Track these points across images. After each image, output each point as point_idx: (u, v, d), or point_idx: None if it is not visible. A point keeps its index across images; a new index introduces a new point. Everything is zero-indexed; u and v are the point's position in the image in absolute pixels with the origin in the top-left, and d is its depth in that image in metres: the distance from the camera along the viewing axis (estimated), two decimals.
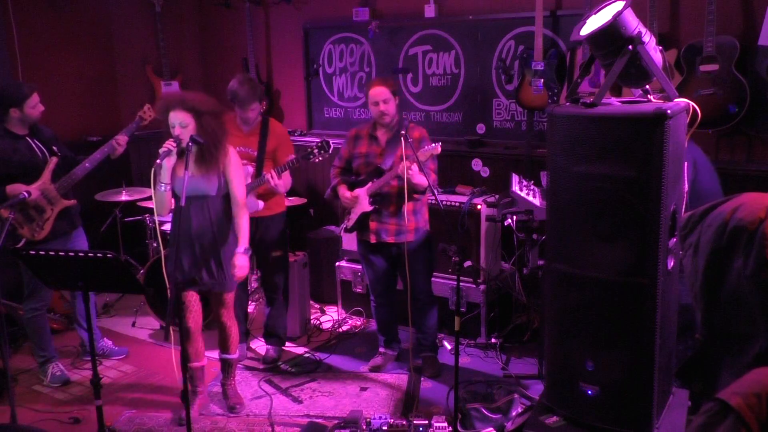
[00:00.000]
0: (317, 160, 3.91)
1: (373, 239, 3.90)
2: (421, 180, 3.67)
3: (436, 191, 3.67)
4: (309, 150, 3.87)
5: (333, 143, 3.97)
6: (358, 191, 3.88)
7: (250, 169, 4.02)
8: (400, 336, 4.26)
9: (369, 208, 3.85)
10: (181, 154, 3.33)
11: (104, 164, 3.97)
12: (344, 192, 3.95)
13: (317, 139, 5.74)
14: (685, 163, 3.17)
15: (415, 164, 3.60)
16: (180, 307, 3.17)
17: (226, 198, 3.48)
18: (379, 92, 3.79)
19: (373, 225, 3.88)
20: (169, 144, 3.25)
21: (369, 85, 3.88)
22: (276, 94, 6.02)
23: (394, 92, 3.82)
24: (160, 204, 3.35)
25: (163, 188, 3.32)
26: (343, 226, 4.01)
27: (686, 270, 2.24)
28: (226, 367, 3.75)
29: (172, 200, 3.47)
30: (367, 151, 3.91)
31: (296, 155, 3.94)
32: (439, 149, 3.64)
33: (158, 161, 3.22)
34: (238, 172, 3.48)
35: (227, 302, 3.58)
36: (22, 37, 5.19)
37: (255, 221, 4.11)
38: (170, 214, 3.50)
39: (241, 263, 3.43)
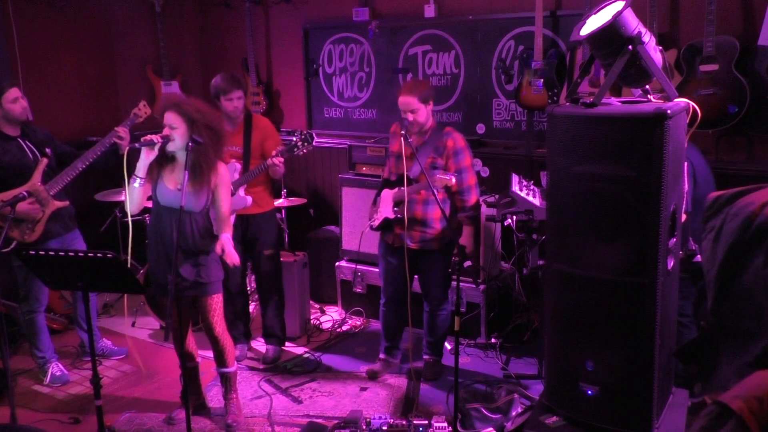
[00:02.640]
0: (302, 152, 3.88)
1: (396, 243, 3.86)
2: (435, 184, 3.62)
3: (437, 194, 3.62)
4: (293, 143, 3.84)
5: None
6: (383, 194, 3.87)
7: (238, 165, 4.00)
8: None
9: (392, 216, 3.79)
10: (167, 160, 3.29)
11: (111, 158, 3.91)
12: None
13: (318, 139, 5.73)
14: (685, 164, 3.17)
15: (438, 185, 3.57)
16: (176, 309, 3.13)
17: (208, 215, 3.38)
18: (406, 102, 3.67)
19: (398, 229, 3.83)
20: (155, 137, 3.17)
21: (398, 91, 3.76)
22: (276, 94, 6.02)
23: (423, 100, 3.68)
24: (131, 199, 3.21)
25: (137, 182, 3.20)
26: (369, 223, 3.99)
27: (704, 253, 2.22)
28: (225, 381, 3.61)
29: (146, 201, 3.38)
30: (399, 150, 3.80)
31: (293, 142, 3.90)
32: (453, 181, 3.51)
33: (136, 144, 3.15)
34: (226, 190, 3.38)
35: (215, 307, 3.42)
36: (22, 37, 5.19)
37: (246, 219, 4.10)
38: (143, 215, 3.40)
39: (228, 248, 3.28)
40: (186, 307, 3.45)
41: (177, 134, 3.20)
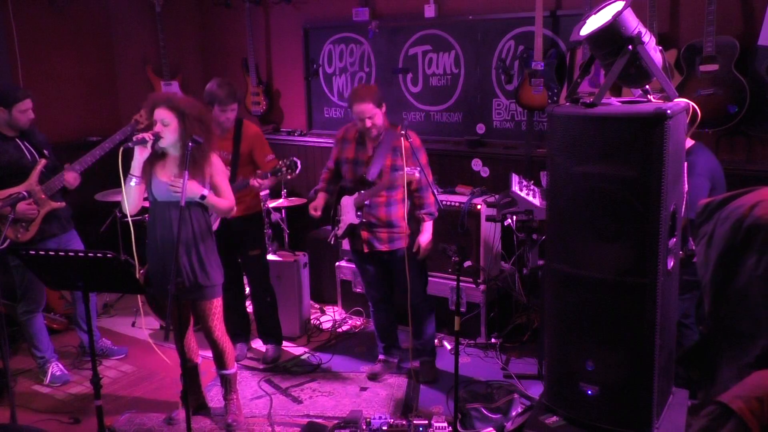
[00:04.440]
0: (287, 178, 3.86)
1: (365, 249, 3.86)
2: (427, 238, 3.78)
3: (435, 191, 3.64)
4: (277, 167, 3.80)
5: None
6: (343, 201, 3.86)
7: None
8: (399, 335, 4.25)
9: (356, 221, 3.79)
10: (158, 156, 3.28)
11: (64, 193, 3.91)
12: (313, 204, 3.98)
13: (317, 139, 5.76)
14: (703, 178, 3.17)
15: (424, 238, 3.73)
16: (178, 309, 3.12)
17: (206, 210, 3.39)
18: (363, 110, 3.64)
19: (364, 234, 3.83)
20: (147, 134, 3.17)
21: (351, 100, 3.71)
22: (276, 94, 6.02)
23: (378, 104, 3.67)
24: (128, 198, 3.21)
25: (133, 181, 3.20)
26: (333, 234, 3.96)
27: (698, 259, 2.23)
28: (226, 382, 3.61)
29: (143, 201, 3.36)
30: (355, 157, 3.83)
31: (279, 161, 3.84)
32: (417, 175, 3.54)
33: (129, 144, 3.14)
34: (223, 178, 3.40)
35: (215, 311, 3.43)
36: (22, 37, 5.19)
37: (229, 222, 4.08)
38: (143, 215, 3.38)
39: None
40: (186, 307, 3.46)
41: (169, 130, 3.20)
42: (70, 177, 3.87)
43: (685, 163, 2.89)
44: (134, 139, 3.16)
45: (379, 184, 3.70)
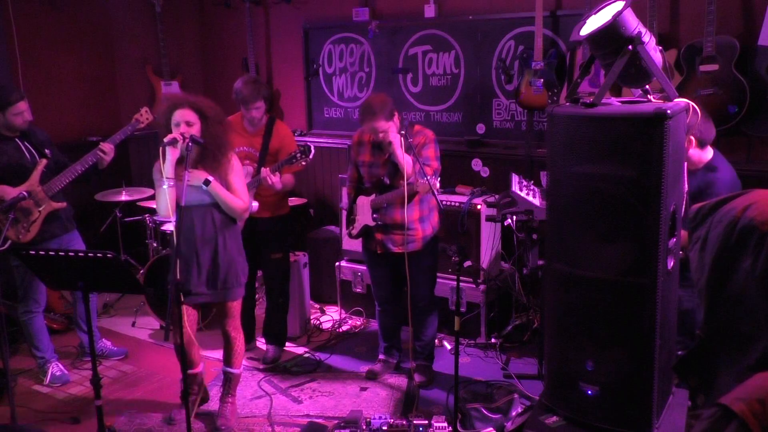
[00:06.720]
0: (302, 164, 3.88)
1: (379, 250, 3.85)
2: (403, 160, 3.54)
3: (435, 189, 3.61)
4: (291, 155, 3.86)
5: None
6: (360, 201, 3.87)
7: (250, 168, 4.02)
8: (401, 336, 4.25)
9: (372, 224, 3.80)
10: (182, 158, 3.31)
11: (92, 173, 3.91)
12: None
13: (318, 139, 5.76)
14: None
15: (394, 135, 3.55)
16: (180, 311, 3.12)
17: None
18: (376, 127, 3.59)
19: (378, 236, 3.83)
20: (176, 135, 3.16)
21: (362, 117, 3.64)
22: (276, 94, 6.02)
23: (389, 117, 3.59)
24: (163, 202, 3.20)
25: (166, 184, 3.18)
26: (348, 232, 3.99)
27: (692, 264, 2.22)
28: (227, 381, 3.61)
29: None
30: (371, 160, 3.82)
31: (293, 153, 3.90)
32: (438, 185, 3.55)
33: (161, 146, 3.15)
34: (240, 179, 3.40)
35: (233, 312, 3.48)
36: (22, 37, 5.19)
37: (254, 221, 4.10)
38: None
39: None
40: (192, 308, 3.46)
41: (193, 130, 3.21)
42: (108, 147, 3.86)
43: (685, 163, 2.89)
44: (165, 140, 3.16)
45: (397, 191, 3.67)
